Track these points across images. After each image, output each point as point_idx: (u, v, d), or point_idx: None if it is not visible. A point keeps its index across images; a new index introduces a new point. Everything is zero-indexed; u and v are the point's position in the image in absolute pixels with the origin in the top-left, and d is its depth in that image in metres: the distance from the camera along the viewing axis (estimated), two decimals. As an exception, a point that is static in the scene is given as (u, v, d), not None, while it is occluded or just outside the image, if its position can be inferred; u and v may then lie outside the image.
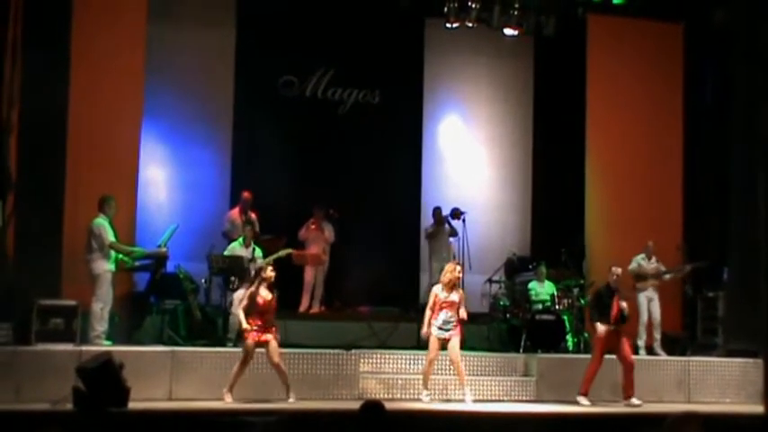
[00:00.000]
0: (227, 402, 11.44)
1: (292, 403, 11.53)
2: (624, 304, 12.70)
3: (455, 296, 12.32)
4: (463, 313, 12.31)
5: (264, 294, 11.78)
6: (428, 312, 12.36)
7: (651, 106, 16.51)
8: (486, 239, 16.95)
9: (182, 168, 15.95)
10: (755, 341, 13.50)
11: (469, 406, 12.12)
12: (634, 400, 12.58)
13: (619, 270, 13.21)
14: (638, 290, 14.81)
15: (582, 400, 12.58)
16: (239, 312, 11.83)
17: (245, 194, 15.05)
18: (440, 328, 12.24)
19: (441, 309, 12.28)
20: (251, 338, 11.58)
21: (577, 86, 16.60)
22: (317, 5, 16.14)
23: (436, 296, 12.35)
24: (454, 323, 12.25)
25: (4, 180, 12.36)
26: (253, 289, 11.79)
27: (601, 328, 12.69)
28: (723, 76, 16.01)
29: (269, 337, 11.65)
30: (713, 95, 16.75)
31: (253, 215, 14.85)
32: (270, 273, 11.91)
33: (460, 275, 12.45)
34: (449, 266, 12.68)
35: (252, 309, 11.69)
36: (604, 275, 15.04)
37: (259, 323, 11.63)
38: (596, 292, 13.12)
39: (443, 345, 12.27)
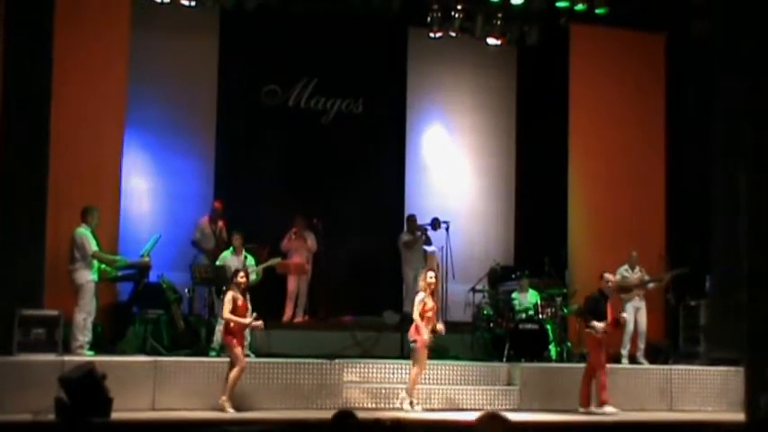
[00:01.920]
0: (229, 413, 11.39)
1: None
2: (624, 315, 12.86)
3: (431, 303, 12.38)
4: (440, 326, 12.38)
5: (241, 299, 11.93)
6: (419, 320, 12.29)
7: (633, 116, 16.55)
8: (469, 249, 16.98)
9: (165, 178, 15.93)
10: (737, 350, 13.55)
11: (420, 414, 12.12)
12: (592, 408, 12.68)
13: (611, 277, 13.32)
14: (624, 300, 14.86)
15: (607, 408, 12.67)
16: (229, 316, 11.84)
17: (216, 204, 15.16)
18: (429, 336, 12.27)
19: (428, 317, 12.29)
20: (237, 343, 11.67)
21: (560, 96, 16.64)
22: (301, 15, 16.13)
23: (425, 304, 12.33)
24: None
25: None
26: (233, 293, 11.87)
27: (596, 333, 12.79)
28: (705, 87, 16.07)
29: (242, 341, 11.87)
30: (695, 105, 16.81)
31: (221, 224, 14.87)
32: (240, 278, 11.97)
33: (431, 281, 12.43)
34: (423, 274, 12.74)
35: (235, 313, 11.80)
36: (588, 284, 15.09)
37: (237, 330, 11.79)
38: (590, 298, 13.12)
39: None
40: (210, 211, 15.17)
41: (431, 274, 12.55)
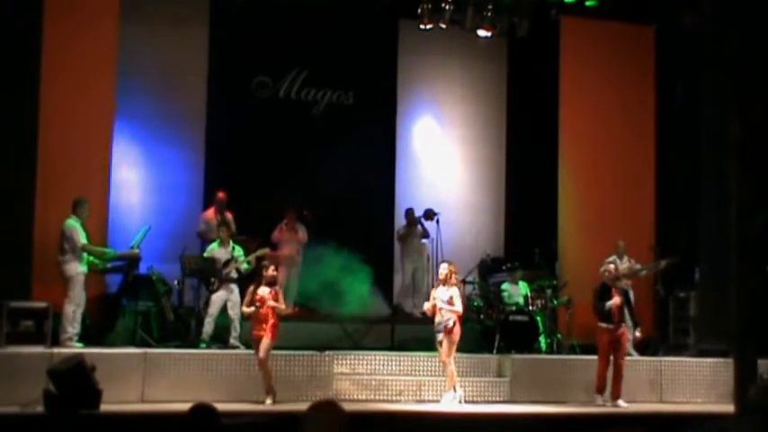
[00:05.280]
0: (268, 405, 11.52)
1: (269, 405, 11.53)
2: (617, 300, 12.85)
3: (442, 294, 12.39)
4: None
5: (261, 291, 11.91)
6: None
7: (623, 107, 16.57)
8: (459, 240, 16.98)
9: (154, 169, 15.90)
10: (726, 341, 13.57)
11: (444, 407, 12.14)
12: (621, 402, 12.71)
13: (610, 266, 13.36)
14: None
15: (597, 398, 12.77)
16: (243, 308, 12.01)
17: (220, 195, 15.00)
18: (436, 330, 12.32)
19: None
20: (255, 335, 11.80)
21: (550, 88, 16.65)
22: (291, 6, 16.10)
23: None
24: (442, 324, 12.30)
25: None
26: (252, 287, 11.97)
27: (602, 326, 12.85)
28: (694, 79, 16.09)
29: (261, 333, 11.75)
30: (684, 97, 16.82)
31: (229, 215, 14.82)
32: (271, 272, 12.07)
33: (444, 274, 12.48)
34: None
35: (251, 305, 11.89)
36: (578, 276, 15.15)
37: (255, 320, 11.82)
38: (597, 291, 13.12)
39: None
40: (215, 201, 15.04)
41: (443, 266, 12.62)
